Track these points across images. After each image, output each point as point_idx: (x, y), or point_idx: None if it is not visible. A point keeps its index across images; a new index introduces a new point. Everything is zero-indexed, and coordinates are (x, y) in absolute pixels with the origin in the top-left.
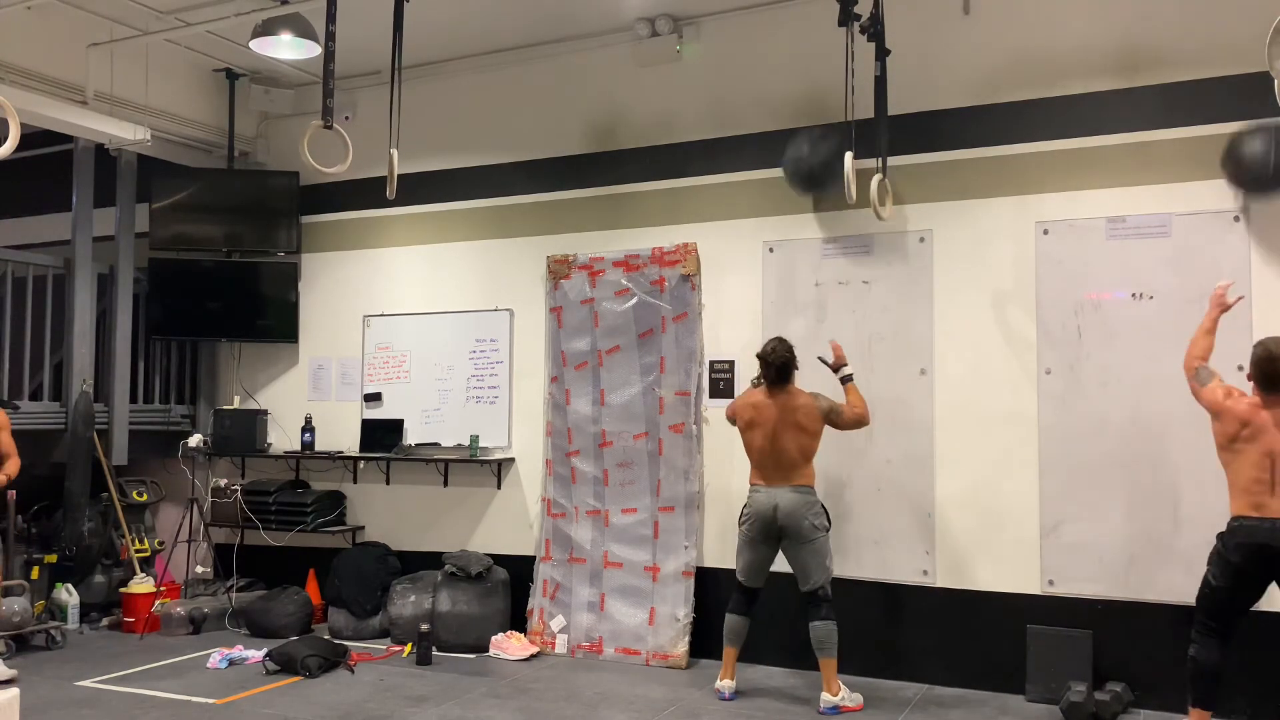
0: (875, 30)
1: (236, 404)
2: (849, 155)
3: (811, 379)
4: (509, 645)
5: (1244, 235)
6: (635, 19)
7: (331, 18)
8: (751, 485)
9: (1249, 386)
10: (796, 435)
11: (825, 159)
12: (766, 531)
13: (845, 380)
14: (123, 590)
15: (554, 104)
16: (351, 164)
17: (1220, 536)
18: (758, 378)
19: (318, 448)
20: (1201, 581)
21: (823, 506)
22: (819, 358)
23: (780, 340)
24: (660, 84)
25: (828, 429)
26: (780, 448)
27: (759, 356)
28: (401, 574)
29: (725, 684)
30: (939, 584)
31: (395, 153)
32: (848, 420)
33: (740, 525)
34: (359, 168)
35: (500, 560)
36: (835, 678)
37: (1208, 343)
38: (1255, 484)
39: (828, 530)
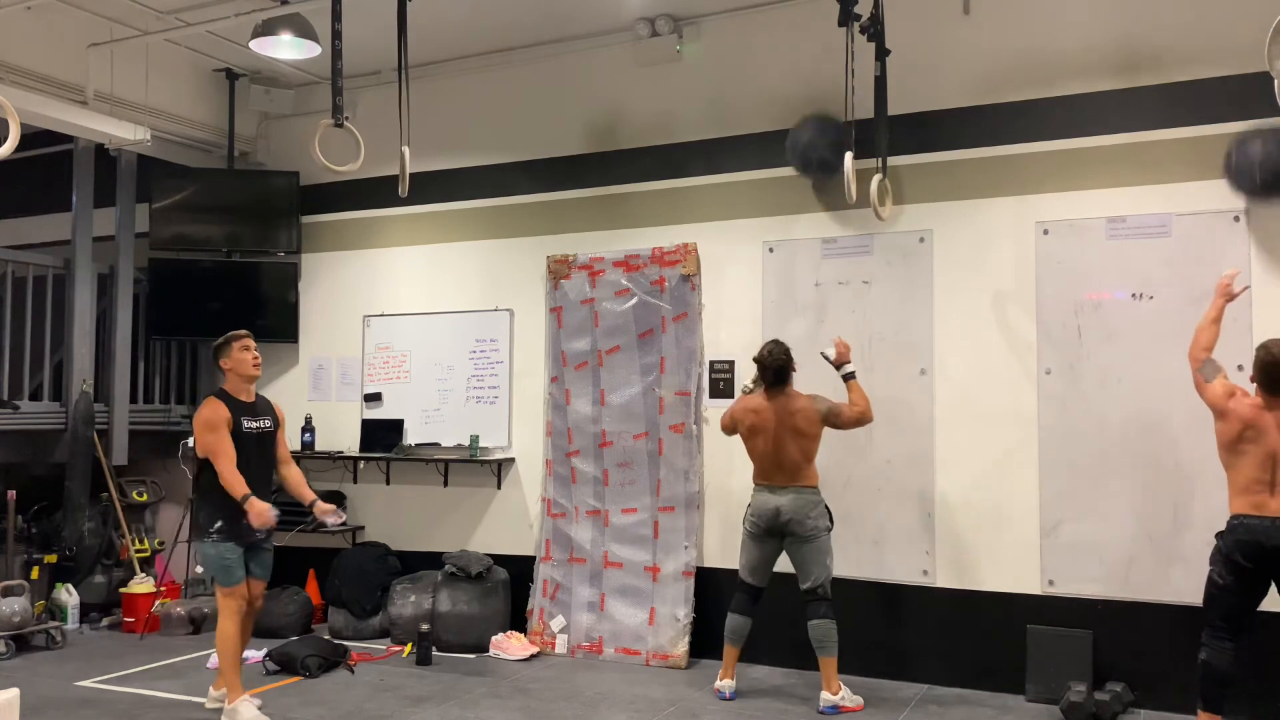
0: (875, 30)
1: None
2: (849, 155)
3: (811, 377)
4: (509, 645)
5: (1244, 235)
6: (635, 19)
7: (337, 16)
8: (755, 485)
9: (1252, 386)
10: (797, 438)
11: (830, 147)
12: (769, 529)
13: (847, 378)
14: (123, 590)
15: (554, 104)
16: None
17: (1220, 535)
18: (750, 383)
19: (318, 448)
20: (1207, 582)
21: (826, 507)
22: (821, 353)
23: (776, 343)
24: (660, 84)
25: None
26: (782, 451)
27: (756, 360)
28: (401, 574)
29: (725, 684)
30: (939, 584)
31: (407, 150)
32: (848, 419)
33: (744, 523)
34: (359, 168)
35: (500, 560)
36: (835, 677)
37: (1213, 332)
38: (1256, 484)
39: (830, 530)
